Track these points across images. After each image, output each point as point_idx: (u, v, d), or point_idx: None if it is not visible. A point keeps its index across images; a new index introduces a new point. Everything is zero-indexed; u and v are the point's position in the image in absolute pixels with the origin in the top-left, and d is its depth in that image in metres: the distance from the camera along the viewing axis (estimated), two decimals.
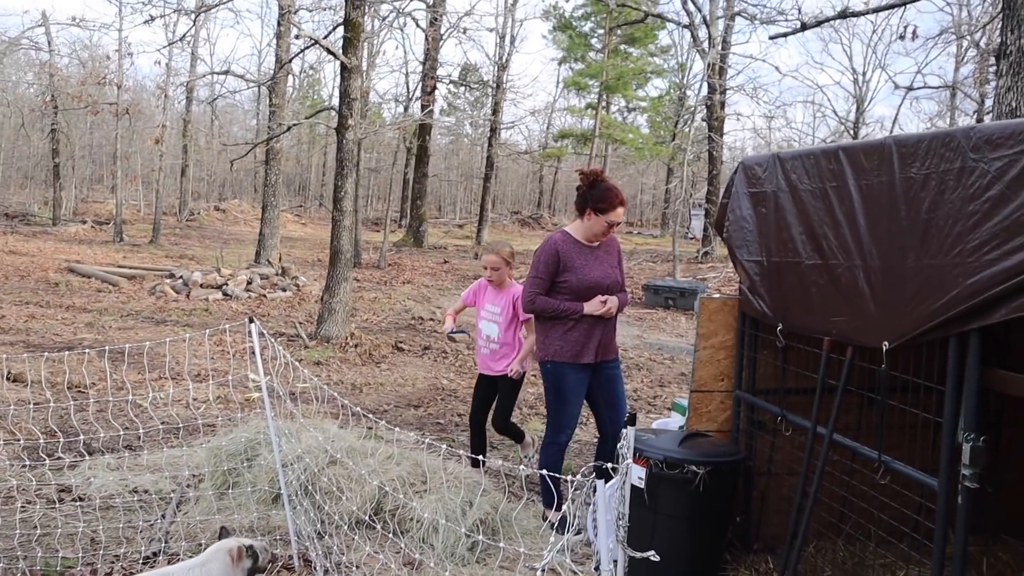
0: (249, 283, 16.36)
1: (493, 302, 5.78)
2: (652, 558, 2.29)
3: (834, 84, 77.12)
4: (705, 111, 28.55)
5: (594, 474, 1.95)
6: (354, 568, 4.38)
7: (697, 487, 4.09)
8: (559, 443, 5.14)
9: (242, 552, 3.68)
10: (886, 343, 3.33)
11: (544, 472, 4.01)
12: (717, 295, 5.00)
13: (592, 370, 5.13)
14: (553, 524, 5.13)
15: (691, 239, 36.81)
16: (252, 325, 4.23)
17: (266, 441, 5.36)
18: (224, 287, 15.96)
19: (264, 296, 16.05)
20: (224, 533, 3.88)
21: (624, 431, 2.18)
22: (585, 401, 5.27)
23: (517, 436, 6.10)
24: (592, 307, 4.95)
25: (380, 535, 4.66)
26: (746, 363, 4.64)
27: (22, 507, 5.09)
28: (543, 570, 4.42)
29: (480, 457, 5.50)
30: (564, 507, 5.09)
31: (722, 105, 28.07)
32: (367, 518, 4.60)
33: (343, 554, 4.48)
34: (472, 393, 6.15)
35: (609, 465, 2.03)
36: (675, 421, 5.85)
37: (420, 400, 8.82)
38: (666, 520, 4.18)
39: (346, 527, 4.62)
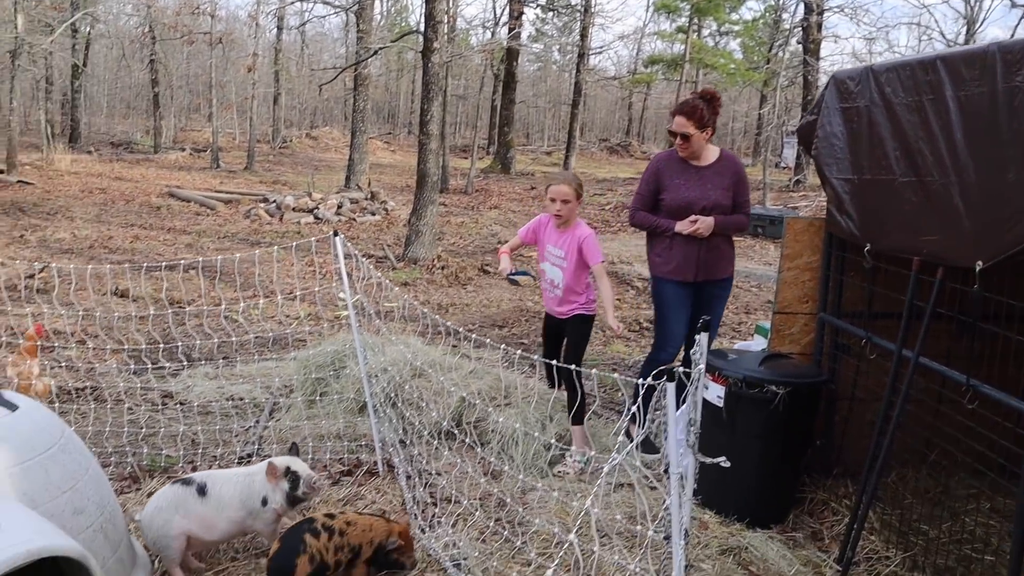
0: (339, 207, 16.70)
1: (556, 244, 4.96)
2: (723, 464, 2.30)
3: (942, 3, 71.70)
4: (801, 34, 27.24)
5: (665, 377, 1.96)
6: (435, 475, 4.55)
7: (776, 407, 4.06)
8: (659, 360, 5.09)
9: (276, 470, 3.61)
10: (980, 262, 3.19)
11: (640, 381, 3.92)
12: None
13: (695, 289, 5.08)
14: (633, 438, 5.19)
15: (783, 168, 35.56)
16: (336, 238, 4.34)
17: (353, 354, 5.55)
18: (315, 211, 16.35)
19: (353, 220, 16.39)
20: (294, 449, 3.88)
21: (698, 337, 2.18)
22: None
23: (577, 416, 4.93)
24: (681, 226, 4.88)
25: (461, 445, 4.81)
26: (831, 285, 4.53)
27: (129, 409, 5.44)
28: (614, 473, 4.49)
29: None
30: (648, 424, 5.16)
31: (819, 27, 26.70)
32: (449, 428, 4.74)
33: (425, 462, 4.65)
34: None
35: (681, 369, 2.04)
36: (757, 344, 5.78)
37: (504, 321, 8.94)
38: (743, 440, 4.17)
39: (428, 436, 4.78)
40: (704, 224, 4.88)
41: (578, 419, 4.91)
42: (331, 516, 3.51)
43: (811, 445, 4.47)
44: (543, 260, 5.12)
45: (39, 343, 5.36)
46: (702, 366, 2.19)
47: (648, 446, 5.14)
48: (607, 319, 4.70)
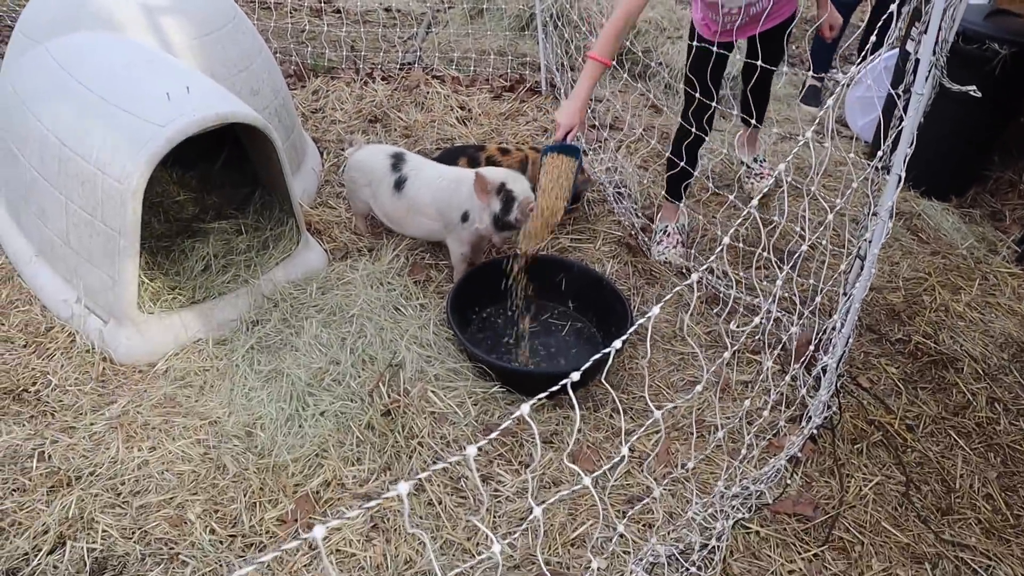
0: None
1: None
2: (973, 93, 2.02)
3: None
4: None
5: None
6: (596, 102, 4.39)
7: (993, 68, 3.58)
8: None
9: (486, 185, 2.82)
10: None
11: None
12: None
13: None
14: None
15: None
16: None
17: None
18: None
19: None
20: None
21: None
22: None
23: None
24: None
25: (628, 76, 4.56)
26: None
27: (289, 13, 5.36)
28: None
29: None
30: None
31: None
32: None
33: None
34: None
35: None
36: (974, 1, 5.04)
37: None
38: (942, 99, 3.75)
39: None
40: None
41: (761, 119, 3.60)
42: None
43: (1016, 119, 4.00)
44: None
45: None
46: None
47: (812, 97, 4.75)
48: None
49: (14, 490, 2.25)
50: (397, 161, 3.08)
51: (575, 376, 1.14)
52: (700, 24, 3.01)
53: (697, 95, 2.95)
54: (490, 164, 3.31)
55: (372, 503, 0.96)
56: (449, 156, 3.41)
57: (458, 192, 2.95)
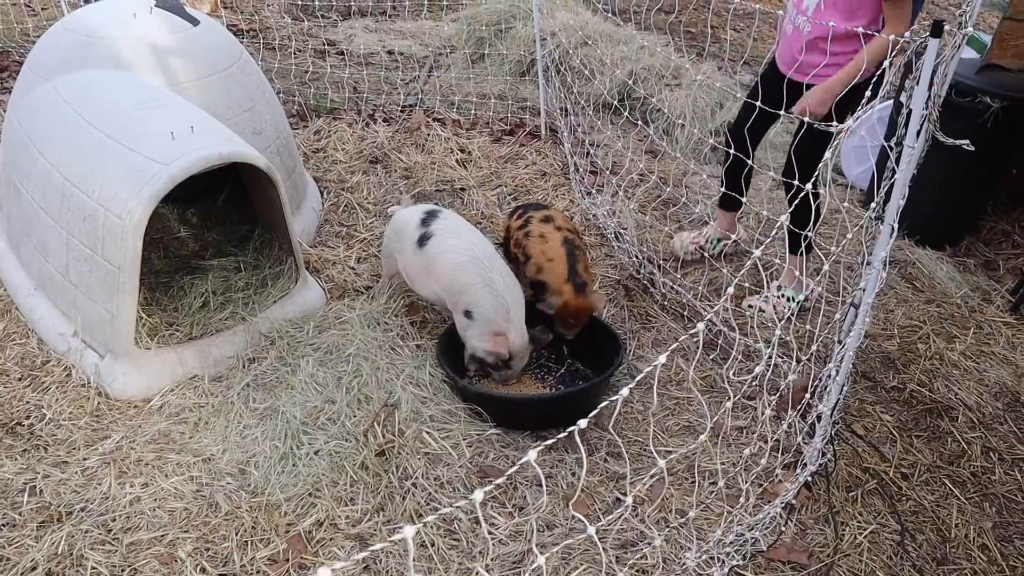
0: None
1: None
2: (966, 147, 2.05)
3: None
4: None
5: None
6: (595, 148, 4.44)
7: (985, 122, 3.64)
8: None
9: (498, 344, 2.73)
10: None
11: None
12: None
13: None
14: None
15: None
16: None
17: (521, 14, 5.28)
18: None
19: None
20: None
21: (926, 42, 1.78)
22: None
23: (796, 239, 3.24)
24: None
25: (625, 120, 4.62)
26: None
27: (293, 54, 5.44)
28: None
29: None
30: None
31: None
32: (614, 103, 4.54)
33: (586, 133, 4.52)
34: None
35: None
36: (965, 56, 5.13)
37: (671, 7, 8.26)
38: (937, 150, 3.80)
39: (591, 110, 4.60)
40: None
41: (796, 245, 3.28)
42: None
43: (1007, 171, 4.05)
44: None
45: None
46: (969, 29, 1.86)
47: None
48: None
49: (4, 525, 2.23)
50: (428, 217, 2.95)
51: (583, 424, 1.15)
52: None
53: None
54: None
55: (378, 546, 0.96)
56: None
57: (470, 287, 2.76)
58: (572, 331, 2.93)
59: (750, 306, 3.34)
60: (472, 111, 4.85)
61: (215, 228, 3.47)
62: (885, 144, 2.04)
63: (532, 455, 1.05)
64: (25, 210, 2.91)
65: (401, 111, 4.75)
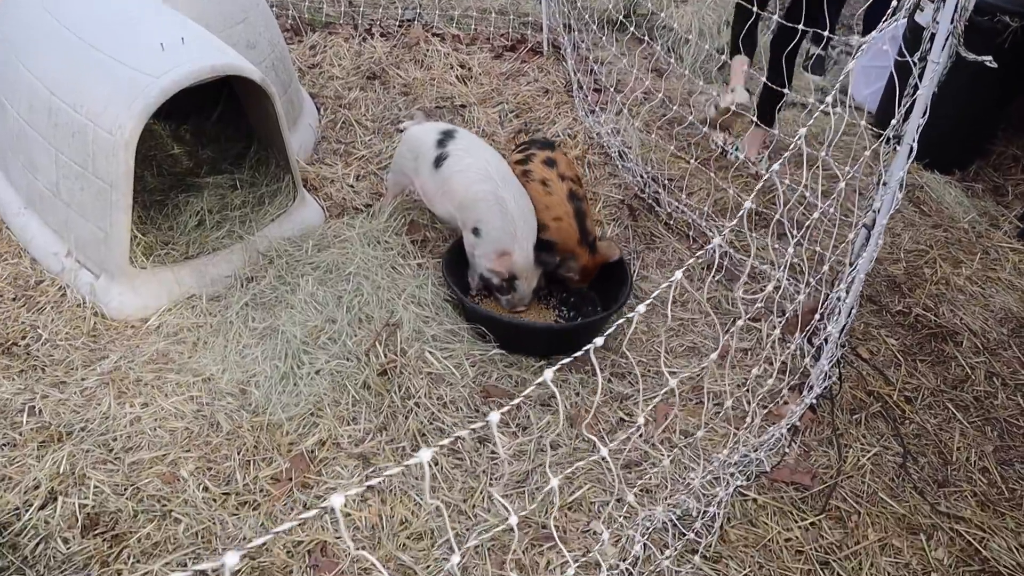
0: None
1: None
2: (989, 63, 1.97)
3: None
4: None
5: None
6: (599, 65, 4.31)
7: (1003, 41, 3.52)
8: None
9: (502, 263, 2.71)
10: None
11: None
12: None
13: None
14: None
15: None
16: None
17: None
18: None
19: None
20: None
21: None
22: None
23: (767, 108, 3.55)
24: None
25: (630, 37, 4.48)
26: None
27: None
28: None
29: None
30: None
31: None
32: (619, 18, 4.38)
33: (590, 50, 4.38)
34: None
35: None
36: None
37: None
38: (951, 70, 3.70)
39: (595, 26, 4.45)
40: None
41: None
42: None
43: (1022, 93, 3.95)
44: None
45: None
46: None
47: (817, 67, 4.67)
48: None
49: (4, 445, 2.21)
50: (444, 138, 2.89)
51: (599, 342, 1.11)
52: None
53: None
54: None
55: (395, 470, 0.93)
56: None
57: (480, 198, 2.73)
58: (586, 283, 2.90)
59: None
60: (472, 26, 4.69)
61: (210, 145, 3.37)
62: (910, 59, 1.96)
63: (548, 374, 1.01)
64: (11, 125, 2.81)
65: (399, 26, 4.59)
